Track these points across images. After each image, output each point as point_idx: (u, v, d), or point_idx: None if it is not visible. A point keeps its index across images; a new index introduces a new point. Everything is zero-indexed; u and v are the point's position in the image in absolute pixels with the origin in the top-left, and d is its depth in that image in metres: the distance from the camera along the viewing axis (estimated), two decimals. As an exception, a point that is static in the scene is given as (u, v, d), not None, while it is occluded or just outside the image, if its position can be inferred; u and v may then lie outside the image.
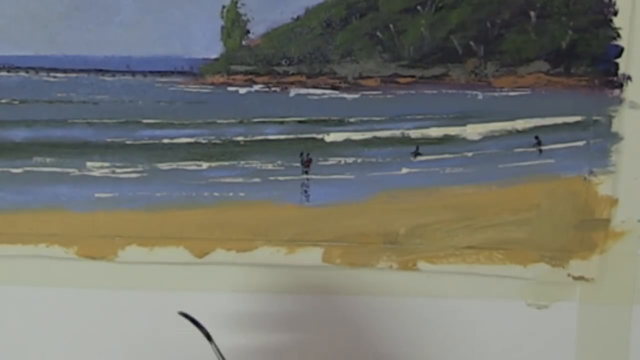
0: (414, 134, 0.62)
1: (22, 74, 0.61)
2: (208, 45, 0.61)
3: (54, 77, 0.61)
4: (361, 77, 0.61)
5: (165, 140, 0.62)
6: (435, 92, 0.61)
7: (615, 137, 0.62)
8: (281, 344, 0.66)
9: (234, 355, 0.62)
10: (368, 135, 0.62)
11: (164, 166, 0.62)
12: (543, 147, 0.62)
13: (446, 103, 0.61)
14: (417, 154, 0.62)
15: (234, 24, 0.60)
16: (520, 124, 0.62)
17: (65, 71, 0.61)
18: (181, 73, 0.61)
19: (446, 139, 0.62)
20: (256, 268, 0.64)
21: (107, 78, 0.61)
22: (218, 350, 0.57)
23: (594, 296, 0.65)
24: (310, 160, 0.62)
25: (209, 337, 0.57)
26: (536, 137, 0.62)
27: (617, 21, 0.60)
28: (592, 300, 0.65)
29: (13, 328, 0.65)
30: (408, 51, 0.61)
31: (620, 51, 0.61)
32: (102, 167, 0.62)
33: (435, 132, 0.62)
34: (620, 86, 0.61)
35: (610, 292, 0.64)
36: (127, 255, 0.63)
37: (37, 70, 0.61)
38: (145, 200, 0.63)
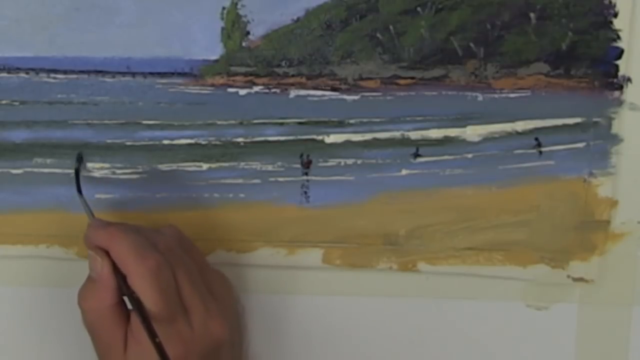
0: (414, 135, 0.62)
1: (22, 75, 0.61)
2: (208, 47, 0.61)
3: (54, 78, 0.61)
4: (361, 79, 0.61)
5: (166, 142, 0.62)
6: (435, 93, 0.61)
7: (616, 139, 0.62)
8: (280, 345, 0.66)
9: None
10: (368, 136, 0.62)
11: (164, 167, 0.62)
12: (543, 149, 0.62)
13: (446, 104, 0.62)
14: (417, 155, 0.62)
15: (234, 25, 0.60)
16: (520, 126, 0.62)
17: (65, 72, 0.61)
18: (181, 74, 0.61)
19: (446, 140, 0.62)
20: (256, 269, 0.64)
21: (107, 79, 0.61)
22: (86, 204, 0.59)
23: (594, 297, 0.65)
24: (310, 162, 0.62)
25: (79, 191, 0.60)
26: (536, 139, 0.62)
27: (617, 23, 0.60)
28: (592, 301, 0.65)
29: (13, 329, 0.65)
30: (408, 53, 0.61)
31: (620, 53, 0.61)
32: (102, 168, 0.62)
33: (435, 133, 0.62)
34: (620, 88, 0.61)
35: (610, 294, 0.64)
36: (127, 256, 0.63)
37: (37, 71, 0.61)
38: (146, 201, 0.63)
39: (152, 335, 0.54)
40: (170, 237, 0.59)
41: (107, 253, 0.56)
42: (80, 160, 0.61)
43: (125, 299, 0.56)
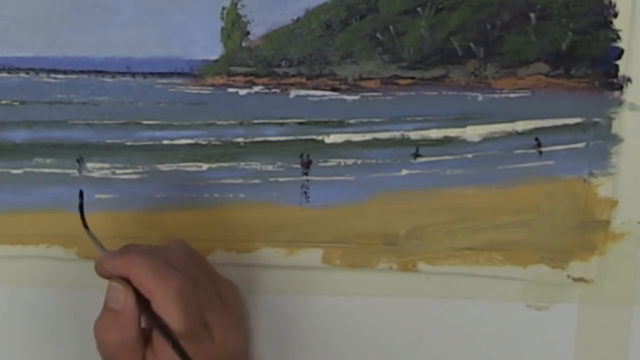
0: (414, 135, 0.62)
1: (22, 75, 0.61)
2: (208, 47, 0.61)
3: (54, 78, 0.61)
4: (361, 79, 0.61)
5: (165, 142, 0.62)
6: (435, 93, 0.61)
7: (615, 139, 0.62)
8: (280, 346, 0.66)
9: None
10: (368, 136, 0.62)
11: (164, 167, 0.62)
12: (543, 149, 0.62)
13: (446, 105, 0.62)
14: (417, 155, 0.62)
15: (234, 25, 0.60)
16: (520, 126, 0.62)
17: (65, 72, 0.61)
18: (181, 74, 0.61)
19: (446, 140, 0.62)
20: (256, 269, 0.64)
21: (107, 79, 0.61)
22: (95, 238, 0.57)
23: (594, 297, 0.65)
24: (310, 162, 0.62)
25: (86, 226, 0.58)
26: (536, 139, 0.62)
27: (617, 23, 0.60)
28: (592, 301, 0.65)
29: (13, 329, 0.65)
30: (408, 53, 0.61)
31: (620, 53, 0.60)
32: (102, 168, 0.62)
33: (435, 133, 0.62)
34: (620, 88, 0.61)
35: (610, 294, 0.64)
36: (127, 256, 0.63)
37: (37, 71, 0.61)
38: (145, 201, 0.63)
39: (185, 356, 0.53)
40: (181, 253, 0.58)
41: (128, 282, 0.55)
42: (82, 196, 0.60)
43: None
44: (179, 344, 0.53)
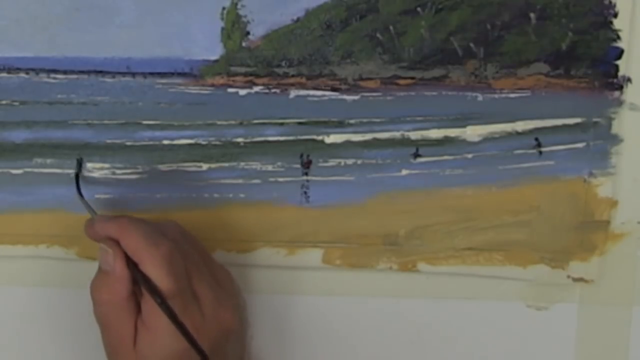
0: (414, 135, 0.62)
1: (22, 75, 0.61)
2: (208, 47, 0.61)
3: (54, 78, 0.61)
4: (361, 79, 0.61)
5: (166, 142, 0.62)
6: (435, 93, 0.61)
7: (615, 139, 0.62)
8: (280, 345, 0.66)
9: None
10: (368, 136, 0.62)
11: (164, 167, 0.62)
12: (543, 149, 0.62)
13: (446, 105, 0.62)
14: (417, 155, 0.62)
15: (234, 25, 0.60)
16: (520, 126, 0.62)
17: (65, 72, 0.61)
18: (181, 74, 0.61)
19: (446, 140, 0.62)
20: (256, 269, 0.64)
21: (107, 79, 0.61)
22: (88, 204, 0.60)
23: (594, 298, 0.65)
24: (310, 162, 0.62)
25: (80, 193, 0.60)
26: (536, 139, 0.62)
27: (617, 23, 0.60)
28: (592, 301, 0.65)
29: (13, 329, 0.65)
30: (408, 53, 0.61)
31: (620, 53, 0.61)
32: (102, 168, 0.62)
33: (435, 133, 0.62)
34: (620, 88, 0.61)
35: (610, 294, 0.64)
36: (127, 256, 0.63)
37: (37, 71, 0.61)
38: (145, 201, 0.63)
39: (173, 315, 0.54)
40: (174, 230, 0.59)
41: (117, 244, 0.56)
42: (79, 165, 0.61)
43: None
44: (166, 303, 0.54)
